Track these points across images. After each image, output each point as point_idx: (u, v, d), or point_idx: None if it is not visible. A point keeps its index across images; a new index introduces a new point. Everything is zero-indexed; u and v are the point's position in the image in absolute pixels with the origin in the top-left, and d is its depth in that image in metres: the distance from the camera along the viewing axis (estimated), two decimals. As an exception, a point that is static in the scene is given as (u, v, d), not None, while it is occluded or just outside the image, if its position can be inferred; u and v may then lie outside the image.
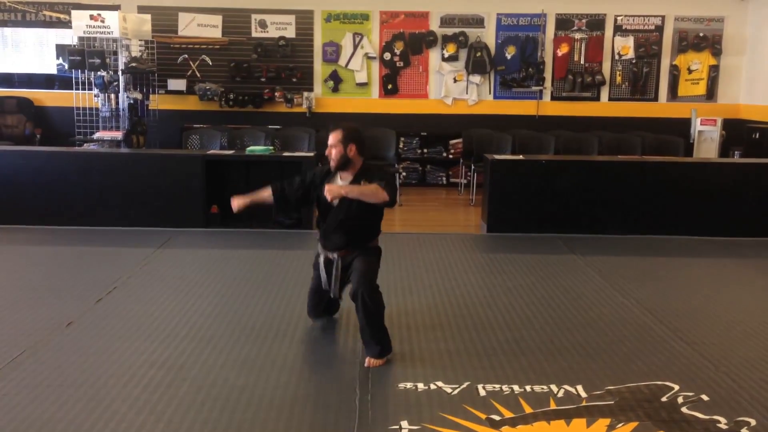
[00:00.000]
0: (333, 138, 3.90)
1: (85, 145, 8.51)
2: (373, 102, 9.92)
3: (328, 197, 3.83)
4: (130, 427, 3.05)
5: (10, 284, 5.14)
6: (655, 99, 10.01)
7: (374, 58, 9.83)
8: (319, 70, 9.86)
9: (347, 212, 3.90)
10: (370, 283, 3.85)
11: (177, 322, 4.36)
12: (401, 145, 9.77)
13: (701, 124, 9.44)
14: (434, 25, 9.80)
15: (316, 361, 3.84)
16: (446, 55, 9.82)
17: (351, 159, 3.90)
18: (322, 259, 4.06)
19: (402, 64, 9.86)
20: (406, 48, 9.82)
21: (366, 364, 3.77)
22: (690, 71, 9.93)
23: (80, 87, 8.69)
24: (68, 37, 9.34)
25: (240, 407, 3.28)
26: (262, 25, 9.75)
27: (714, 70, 9.93)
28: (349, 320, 4.41)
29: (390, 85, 9.89)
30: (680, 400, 3.40)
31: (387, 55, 9.82)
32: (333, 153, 3.89)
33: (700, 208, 7.02)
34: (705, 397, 3.43)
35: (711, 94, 9.99)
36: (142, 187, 6.98)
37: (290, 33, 9.76)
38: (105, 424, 3.07)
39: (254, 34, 9.75)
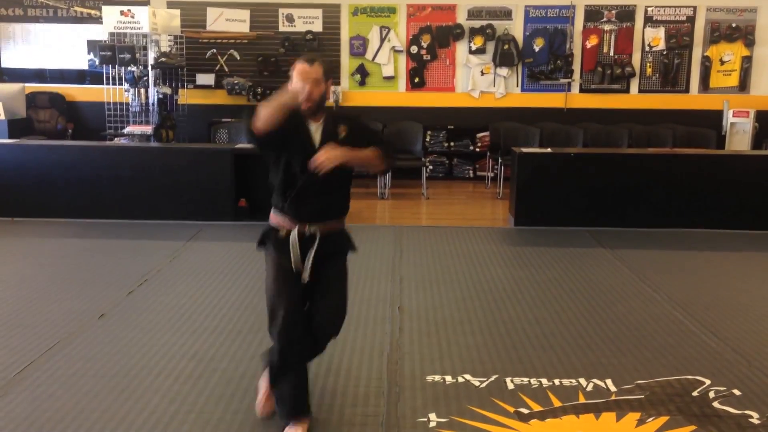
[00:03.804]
0: (315, 72, 2.94)
1: (115, 139, 8.64)
2: (400, 95, 9.90)
3: (325, 166, 2.83)
4: (162, 418, 3.09)
5: (44, 276, 5.23)
6: (687, 91, 9.85)
7: (401, 51, 9.81)
8: (346, 63, 9.86)
9: (327, 176, 2.89)
10: (342, 320, 3.10)
11: (207, 315, 4.41)
12: (428, 139, 9.74)
13: (733, 116, 9.30)
14: (461, 18, 9.74)
15: (343, 353, 3.85)
16: (473, 47, 9.76)
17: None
18: (294, 235, 2.98)
19: (429, 57, 9.82)
20: (433, 41, 9.78)
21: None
22: (722, 62, 9.76)
23: (111, 82, 8.81)
24: (99, 32, 9.45)
25: (269, 399, 3.30)
26: (290, 19, 9.78)
27: (747, 61, 9.75)
28: (377, 312, 4.43)
29: (417, 79, 9.86)
30: (712, 394, 3.36)
31: (414, 49, 9.79)
32: (315, 93, 2.95)
33: (732, 201, 6.93)
34: (737, 392, 3.39)
35: (744, 86, 9.81)
36: (171, 181, 7.06)
37: (317, 27, 9.77)
38: (137, 414, 3.11)
39: (281, 29, 9.78)
